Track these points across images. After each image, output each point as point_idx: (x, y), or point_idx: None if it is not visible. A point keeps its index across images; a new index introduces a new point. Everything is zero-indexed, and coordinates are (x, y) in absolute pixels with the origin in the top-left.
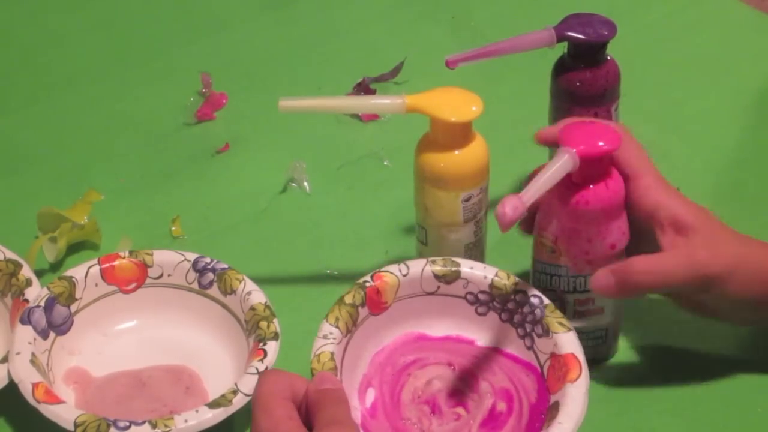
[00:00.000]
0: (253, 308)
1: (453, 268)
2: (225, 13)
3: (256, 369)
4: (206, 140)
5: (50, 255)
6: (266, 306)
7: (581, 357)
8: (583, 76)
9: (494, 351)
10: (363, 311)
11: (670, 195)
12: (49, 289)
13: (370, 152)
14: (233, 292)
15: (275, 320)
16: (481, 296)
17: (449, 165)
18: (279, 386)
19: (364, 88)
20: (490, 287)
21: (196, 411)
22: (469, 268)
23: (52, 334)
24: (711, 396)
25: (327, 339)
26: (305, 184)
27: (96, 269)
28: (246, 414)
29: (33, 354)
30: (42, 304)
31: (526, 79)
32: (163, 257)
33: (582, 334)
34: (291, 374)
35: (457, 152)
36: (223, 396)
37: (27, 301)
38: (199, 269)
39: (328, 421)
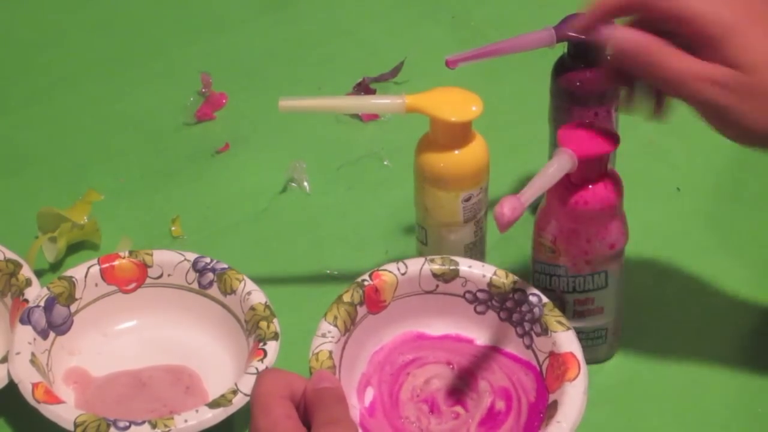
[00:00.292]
0: (253, 308)
1: (451, 267)
2: (225, 13)
3: (256, 369)
4: (206, 140)
5: (50, 255)
6: (266, 306)
7: (580, 356)
8: (583, 76)
9: (493, 350)
10: (361, 310)
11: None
12: (48, 289)
13: (370, 152)
14: (233, 292)
15: (275, 320)
16: (480, 295)
17: (449, 165)
18: (277, 385)
19: (364, 88)
20: (489, 286)
21: (196, 411)
22: (467, 266)
23: (51, 334)
24: (711, 396)
25: (325, 337)
26: (305, 184)
27: (96, 269)
28: (246, 414)
29: (33, 354)
30: (42, 304)
31: (526, 79)
32: (163, 257)
33: (582, 334)
34: (289, 373)
35: (457, 152)
36: (223, 396)
37: (27, 301)
38: (199, 269)
39: (326, 420)
